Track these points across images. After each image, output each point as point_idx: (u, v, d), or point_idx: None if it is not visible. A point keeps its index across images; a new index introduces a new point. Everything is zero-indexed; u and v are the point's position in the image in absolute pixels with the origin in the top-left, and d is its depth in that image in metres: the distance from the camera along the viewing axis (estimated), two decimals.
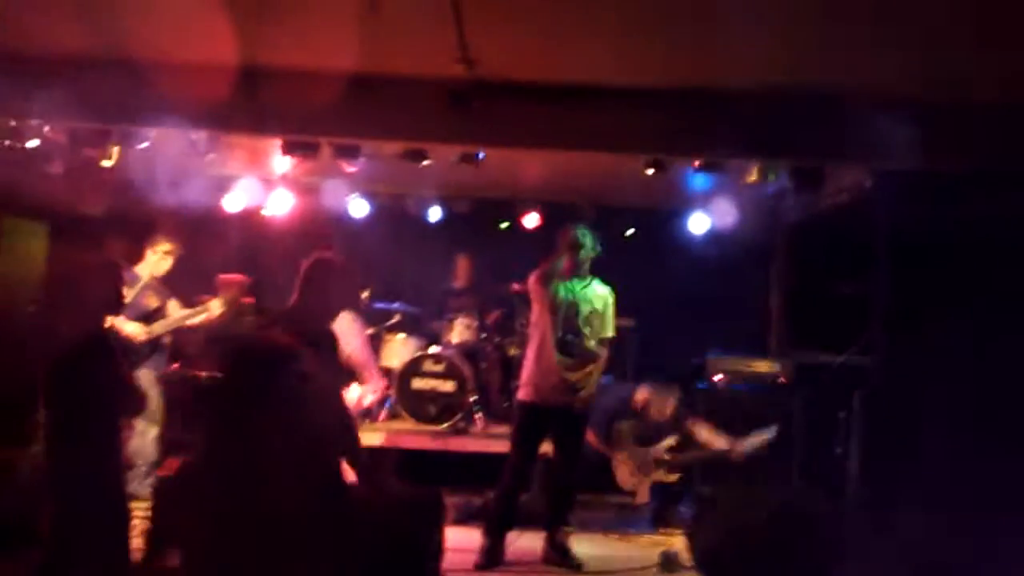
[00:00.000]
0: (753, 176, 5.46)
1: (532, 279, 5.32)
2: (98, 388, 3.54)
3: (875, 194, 5.92)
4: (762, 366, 6.94)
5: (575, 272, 5.29)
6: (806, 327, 7.43)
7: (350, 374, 5.42)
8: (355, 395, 5.20)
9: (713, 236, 7.67)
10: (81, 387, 3.52)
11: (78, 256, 5.56)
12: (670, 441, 6.28)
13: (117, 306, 4.07)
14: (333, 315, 3.97)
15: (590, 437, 5.76)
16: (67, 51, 4.92)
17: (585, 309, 5.28)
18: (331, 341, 3.93)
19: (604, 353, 5.36)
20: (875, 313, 5.92)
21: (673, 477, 6.25)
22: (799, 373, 6.84)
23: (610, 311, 5.37)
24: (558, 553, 5.29)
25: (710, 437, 6.20)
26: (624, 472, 6.26)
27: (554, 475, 5.49)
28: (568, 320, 5.23)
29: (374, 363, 5.73)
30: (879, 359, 5.65)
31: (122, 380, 3.73)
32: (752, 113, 5.04)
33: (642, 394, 6.44)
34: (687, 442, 6.28)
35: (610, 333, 5.37)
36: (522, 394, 5.33)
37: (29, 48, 4.93)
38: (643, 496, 6.23)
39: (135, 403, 3.93)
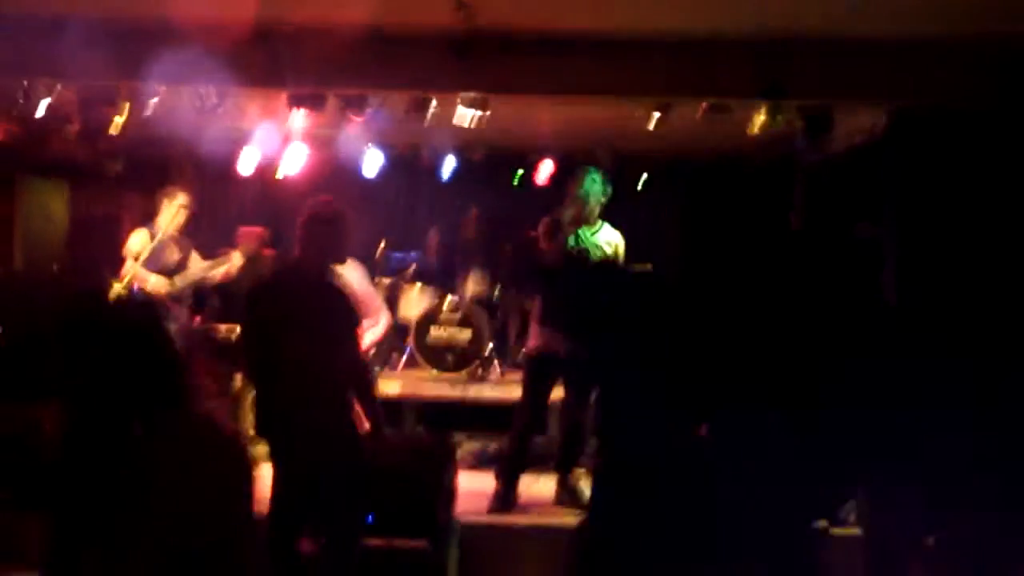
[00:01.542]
0: (761, 118, 5.41)
1: (540, 231, 5.33)
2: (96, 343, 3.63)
3: (889, 135, 5.86)
4: None
5: (583, 220, 5.28)
6: (823, 270, 7.39)
7: None
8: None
9: (730, 180, 7.64)
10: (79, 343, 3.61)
11: (88, 214, 5.66)
12: None
13: (114, 261, 4.16)
14: (332, 261, 4.04)
15: None
16: (78, 7, 4.96)
17: (596, 255, 5.28)
18: (338, 291, 4.00)
19: None
20: (888, 256, 5.88)
21: None
22: None
23: (620, 257, 5.38)
24: (570, 495, 5.37)
25: None
26: None
27: (565, 418, 5.56)
28: None
29: (377, 299, 5.75)
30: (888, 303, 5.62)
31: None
32: (758, 55, 5.01)
33: None
34: None
35: None
36: (532, 341, 5.39)
37: (38, 5, 4.98)
38: None
39: None
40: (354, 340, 4.13)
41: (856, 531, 4.88)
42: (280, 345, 3.86)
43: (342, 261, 4.14)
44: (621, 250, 5.40)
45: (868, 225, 6.46)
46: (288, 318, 3.88)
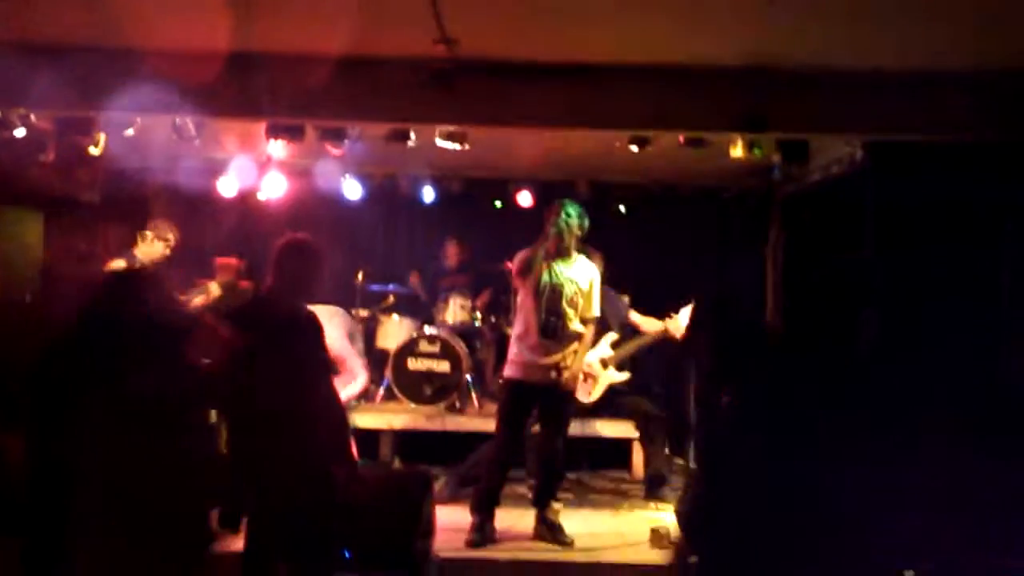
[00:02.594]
0: (738, 150, 5.43)
1: (514, 267, 5.31)
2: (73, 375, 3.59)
3: (867, 166, 5.90)
4: None
5: (559, 253, 5.26)
6: (802, 300, 7.42)
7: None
8: None
9: (708, 210, 7.67)
10: (57, 375, 3.56)
11: (67, 244, 5.58)
12: (611, 338, 6.56)
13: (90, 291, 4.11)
14: (304, 294, 4.00)
15: None
16: (54, 37, 4.93)
17: (569, 290, 5.25)
18: (309, 323, 3.95)
19: (589, 332, 5.36)
20: (867, 286, 5.91)
21: (623, 376, 6.57)
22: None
23: (595, 290, 5.36)
24: (549, 529, 5.31)
25: (646, 323, 6.58)
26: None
27: (541, 451, 5.50)
28: (552, 303, 5.21)
29: (354, 358, 5.75)
30: (870, 335, 5.64)
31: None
32: (735, 87, 5.03)
33: None
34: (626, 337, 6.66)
35: (594, 313, 5.36)
36: (508, 372, 5.35)
37: (14, 35, 4.94)
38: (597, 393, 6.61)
39: None
40: (326, 371, 4.08)
41: None
42: (251, 375, 3.81)
43: (312, 294, 4.09)
44: (597, 283, 5.38)
45: (847, 254, 6.50)
46: (258, 349, 3.82)
